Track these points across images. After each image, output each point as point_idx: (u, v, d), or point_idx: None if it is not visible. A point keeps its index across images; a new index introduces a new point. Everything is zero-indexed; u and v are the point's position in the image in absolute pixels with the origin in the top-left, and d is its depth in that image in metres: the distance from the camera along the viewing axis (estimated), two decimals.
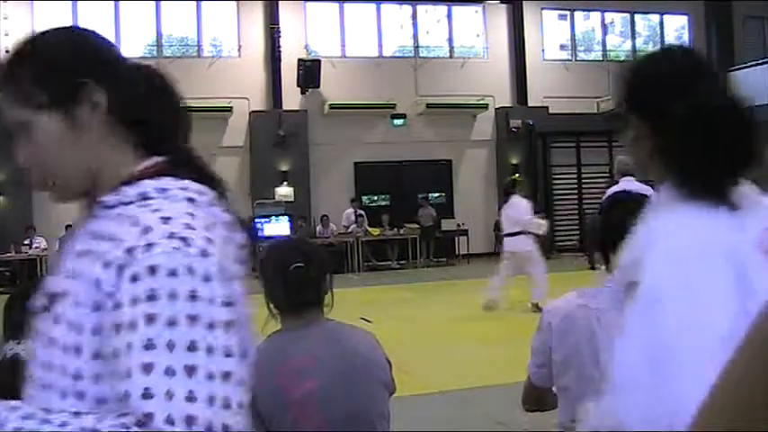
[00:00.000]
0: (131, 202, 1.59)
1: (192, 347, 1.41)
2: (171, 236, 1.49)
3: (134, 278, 1.45)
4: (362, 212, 24.33)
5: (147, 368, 1.38)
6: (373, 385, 3.17)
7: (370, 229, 24.02)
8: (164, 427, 1.35)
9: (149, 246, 1.47)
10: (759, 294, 1.70)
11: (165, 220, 1.52)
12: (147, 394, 1.37)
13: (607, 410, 1.78)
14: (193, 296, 1.44)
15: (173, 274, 1.45)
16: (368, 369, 3.17)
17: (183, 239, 1.49)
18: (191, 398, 1.37)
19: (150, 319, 1.41)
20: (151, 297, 1.42)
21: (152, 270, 1.45)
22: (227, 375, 1.44)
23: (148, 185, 1.61)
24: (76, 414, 1.44)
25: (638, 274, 1.81)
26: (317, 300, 3.21)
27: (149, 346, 1.39)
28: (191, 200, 1.60)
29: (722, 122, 1.89)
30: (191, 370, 1.39)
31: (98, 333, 1.49)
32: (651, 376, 1.72)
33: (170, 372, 1.38)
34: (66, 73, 1.65)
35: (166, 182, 1.62)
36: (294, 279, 3.14)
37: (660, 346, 1.73)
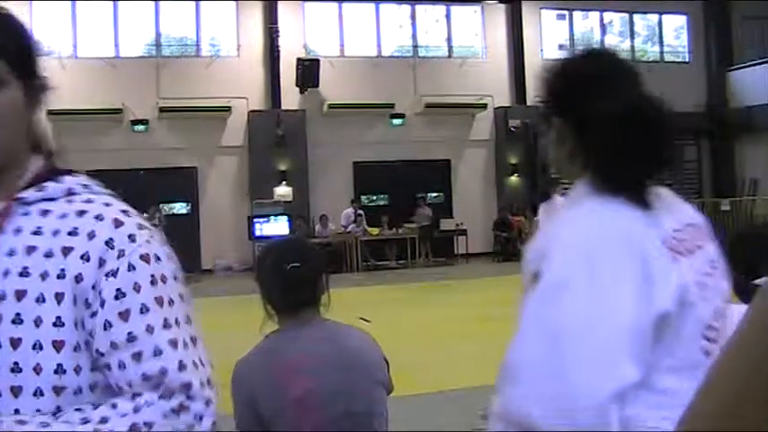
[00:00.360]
0: (55, 198, 1.65)
1: (187, 321, 1.64)
2: (140, 227, 1.64)
3: (130, 267, 1.59)
4: (362, 212, 24.32)
5: (174, 344, 1.59)
6: (371, 384, 3.17)
7: (368, 228, 24.01)
8: (202, 392, 1.58)
9: (131, 237, 1.61)
10: (660, 291, 1.75)
11: (125, 212, 1.66)
12: (181, 366, 1.57)
13: (508, 399, 1.79)
14: (176, 277, 1.67)
15: (158, 259, 1.63)
16: (366, 368, 3.17)
17: (149, 229, 1.66)
18: (202, 363, 1.62)
19: (159, 301, 1.59)
20: (153, 282, 1.59)
21: (144, 258, 1.61)
22: (198, 339, 1.66)
23: (72, 182, 1.69)
24: (79, 410, 1.52)
25: (543, 264, 1.83)
26: (314, 299, 3.21)
27: (167, 325, 1.59)
28: (110, 194, 1.71)
29: (640, 122, 1.92)
30: (194, 340, 1.63)
31: (79, 326, 1.56)
32: (552, 364, 1.73)
33: (186, 344, 1.60)
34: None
35: (83, 178, 1.71)
36: (291, 279, 3.15)
37: (562, 334, 1.74)
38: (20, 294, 1.55)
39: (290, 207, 23.36)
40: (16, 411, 1.51)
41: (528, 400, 1.74)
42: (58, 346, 1.54)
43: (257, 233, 22.08)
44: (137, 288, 1.58)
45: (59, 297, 1.55)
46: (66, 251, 1.58)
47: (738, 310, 3.28)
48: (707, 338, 1.83)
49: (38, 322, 1.53)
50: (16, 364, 1.52)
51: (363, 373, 3.16)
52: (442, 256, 24.88)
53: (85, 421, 1.50)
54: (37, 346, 1.53)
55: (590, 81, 2.02)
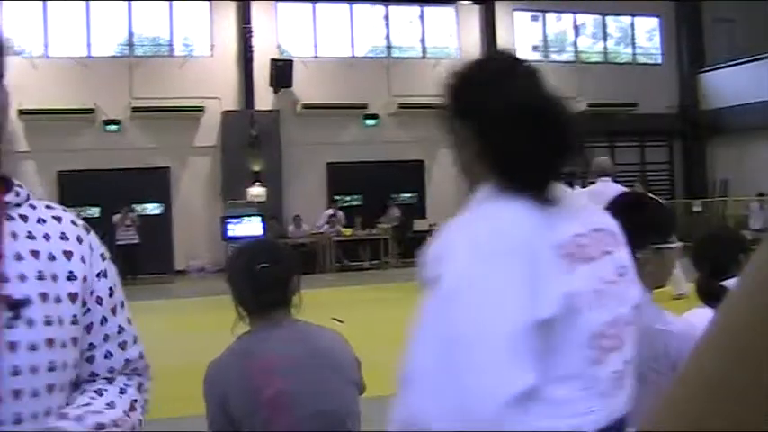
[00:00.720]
0: (20, 204, 1.71)
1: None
2: (87, 229, 1.82)
3: (110, 268, 1.87)
4: (340, 213, 24.36)
5: (137, 337, 1.90)
6: (343, 384, 3.19)
7: (342, 229, 23.99)
8: (147, 372, 1.94)
9: (94, 238, 1.82)
10: (543, 298, 1.75)
11: (75, 215, 1.84)
12: (142, 353, 1.91)
13: (407, 407, 1.78)
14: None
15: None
16: (337, 368, 3.19)
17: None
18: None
19: (122, 302, 1.89)
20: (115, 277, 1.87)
21: (110, 259, 1.87)
22: None
23: (20, 186, 1.74)
24: (91, 398, 1.72)
25: (438, 269, 1.85)
26: (285, 300, 3.22)
27: (130, 319, 1.88)
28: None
29: (536, 122, 1.95)
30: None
31: (76, 322, 1.69)
32: (447, 372, 1.73)
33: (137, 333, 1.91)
34: None
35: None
36: (261, 280, 3.15)
37: (456, 342, 1.75)
38: (43, 297, 1.63)
39: (264, 207, 23.31)
40: (48, 410, 1.62)
41: (427, 408, 1.73)
42: (74, 343, 1.69)
43: (230, 234, 22.01)
44: (116, 286, 1.85)
45: (73, 297, 1.69)
46: (68, 255, 1.72)
47: (703, 313, 3.29)
48: (597, 347, 1.81)
49: (61, 322, 1.65)
50: (52, 362, 1.61)
51: (335, 372, 3.16)
52: (415, 257, 24.83)
53: (111, 406, 1.72)
54: (64, 345, 1.65)
55: (485, 83, 2.05)
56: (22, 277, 1.60)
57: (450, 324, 1.78)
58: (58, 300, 1.65)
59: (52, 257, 1.67)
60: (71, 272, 1.70)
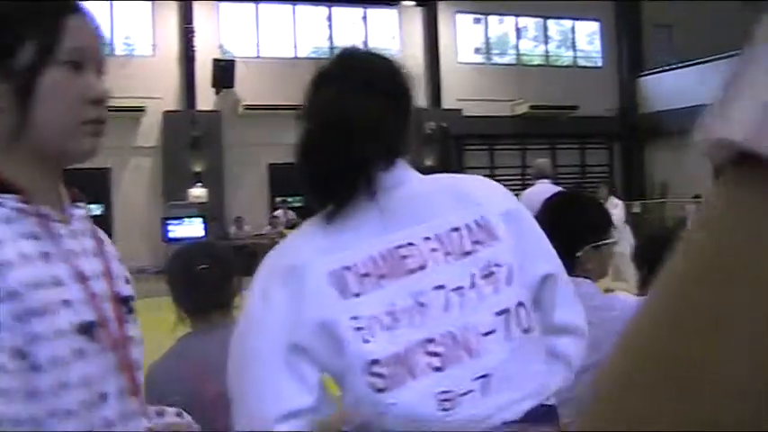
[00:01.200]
0: None
1: None
2: None
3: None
4: (291, 213, 24.30)
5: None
6: None
7: (284, 230, 23.89)
8: None
9: None
10: (299, 325, 1.77)
11: None
12: None
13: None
14: None
15: None
16: None
17: None
18: None
19: None
20: None
21: None
22: None
23: None
24: None
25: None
26: (225, 302, 3.20)
27: None
28: None
29: (320, 129, 1.92)
30: None
31: None
32: (236, 392, 1.90)
33: None
34: None
35: None
36: (200, 281, 3.14)
37: (238, 364, 1.89)
38: (131, 298, 1.77)
39: (205, 209, 23.16)
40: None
41: (235, 423, 1.91)
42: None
43: (171, 235, 21.83)
44: None
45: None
46: (113, 255, 1.79)
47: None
48: (383, 374, 1.75)
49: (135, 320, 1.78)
50: (140, 360, 1.73)
51: None
52: None
53: None
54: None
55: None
56: (118, 275, 1.73)
57: (236, 347, 1.91)
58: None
59: (113, 257, 1.77)
60: (126, 276, 1.81)
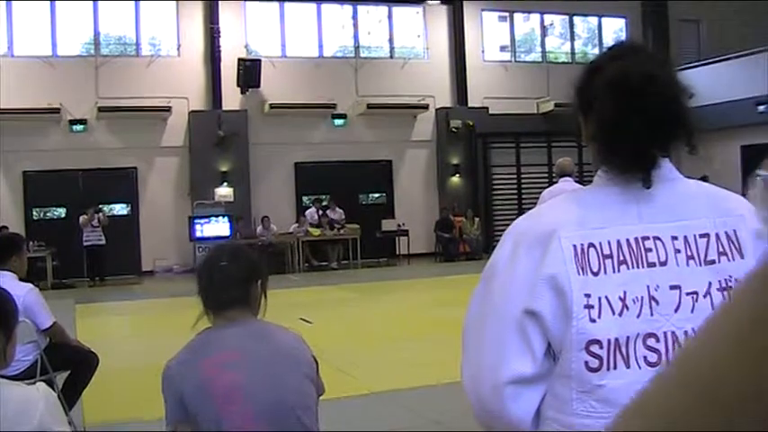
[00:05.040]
0: None
1: None
2: None
3: None
4: (334, 212, 24.48)
5: None
6: (298, 379, 3.24)
7: (310, 229, 23.95)
8: None
9: None
10: (543, 292, 1.83)
11: None
12: None
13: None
14: None
15: None
16: (293, 364, 3.26)
17: None
18: None
19: None
20: None
21: None
22: None
23: None
24: None
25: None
26: (243, 299, 3.30)
27: None
28: None
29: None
30: None
31: None
32: (467, 349, 1.98)
33: None
34: None
35: None
36: (219, 277, 3.26)
37: (472, 322, 1.98)
38: None
39: (232, 208, 23.22)
40: None
41: (463, 375, 1.99)
42: None
43: (198, 234, 21.92)
44: None
45: None
46: None
47: None
48: (600, 354, 1.81)
49: None
50: None
51: (290, 368, 3.24)
52: (383, 257, 24.91)
53: None
54: None
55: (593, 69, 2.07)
56: None
57: (473, 305, 1.99)
58: None
59: None
60: None
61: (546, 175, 25.13)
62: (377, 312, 14.33)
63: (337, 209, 24.77)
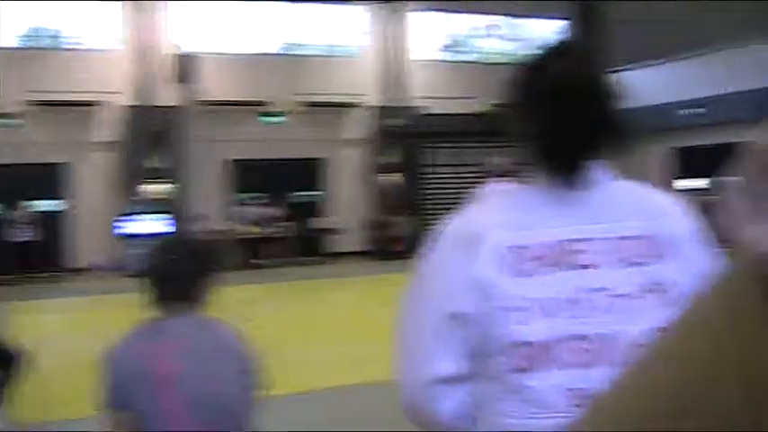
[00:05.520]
0: None
1: None
2: None
3: None
4: (272, 209, 24.36)
5: None
6: (236, 374, 3.27)
7: (244, 227, 23.83)
8: None
9: None
10: (468, 293, 1.85)
11: None
12: None
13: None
14: None
15: None
16: (232, 358, 3.29)
17: None
18: None
19: None
20: None
21: None
22: None
23: None
24: None
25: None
26: (190, 293, 3.32)
27: None
28: None
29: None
30: None
31: None
32: (398, 348, 2.00)
33: None
34: None
35: None
36: (167, 272, 3.29)
37: (403, 322, 2.00)
38: None
39: (165, 205, 23.02)
40: None
41: (397, 374, 2.01)
42: None
43: (129, 232, 21.71)
44: None
45: None
46: None
47: None
48: (527, 356, 1.82)
49: None
50: None
51: (230, 362, 3.27)
52: (317, 255, 24.89)
53: None
54: None
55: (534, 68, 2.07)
56: None
57: (406, 303, 2.00)
58: None
59: None
60: None
61: (481, 174, 25.24)
62: (310, 310, 14.31)
63: (274, 207, 24.71)
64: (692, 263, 1.89)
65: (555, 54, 1.98)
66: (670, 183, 25.36)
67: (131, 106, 24.27)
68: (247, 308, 13.72)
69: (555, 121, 1.88)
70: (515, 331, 1.81)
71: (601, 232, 1.89)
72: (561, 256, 1.85)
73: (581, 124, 1.86)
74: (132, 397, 3.12)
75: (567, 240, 1.87)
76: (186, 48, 25.03)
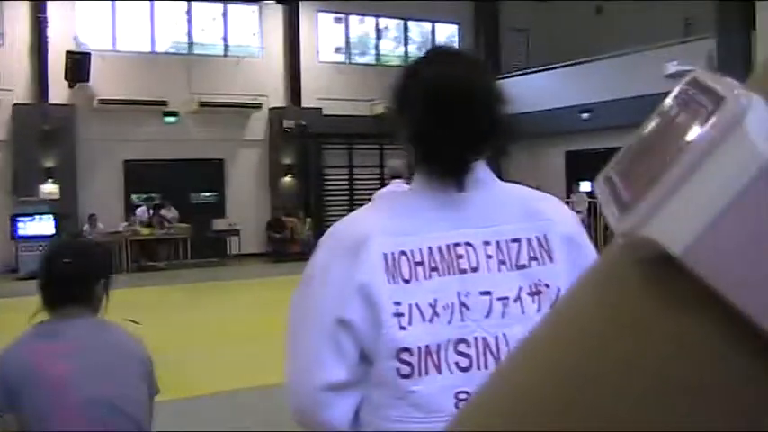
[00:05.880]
0: None
1: None
2: None
3: None
4: (165, 211, 24.07)
5: None
6: (131, 376, 3.23)
7: (139, 228, 23.51)
8: None
9: None
10: (354, 300, 1.85)
11: None
12: None
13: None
14: None
15: None
16: (127, 361, 3.24)
17: None
18: None
19: None
20: None
21: None
22: None
23: None
24: None
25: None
26: (84, 297, 3.25)
27: None
28: None
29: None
30: None
31: None
32: (287, 354, 2.00)
33: None
34: None
35: None
36: (60, 274, 3.21)
37: (291, 328, 2.00)
38: None
39: (57, 206, 22.54)
40: None
41: (285, 380, 2.00)
42: None
43: (21, 233, 21.23)
44: None
45: None
46: None
47: None
48: (412, 361, 1.83)
49: None
50: None
51: (124, 364, 3.22)
52: (214, 257, 24.67)
53: None
54: None
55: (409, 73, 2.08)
56: None
57: (294, 308, 1.99)
58: None
59: None
60: None
61: (378, 176, 25.36)
62: (207, 313, 14.19)
63: (172, 208, 24.43)
64: (575, 264, 1.92)
65: (428, 59, 2.01)
66: (571, 185, 25.90)
67: (23, 104, 23.72)
68: (140, 310, 13.55)
69: (429, 125, 1.89)
70: (396, 337, 1.81)
71: (483, 235, 1.90)
72: (442, 261, 1.86)
73: (456, 128, 1.88)
74: (23, 399, 3.04)
75: (449, 245, 1.87)
76: (82, 45, 24.59)
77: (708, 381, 0.35)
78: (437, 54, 2.06)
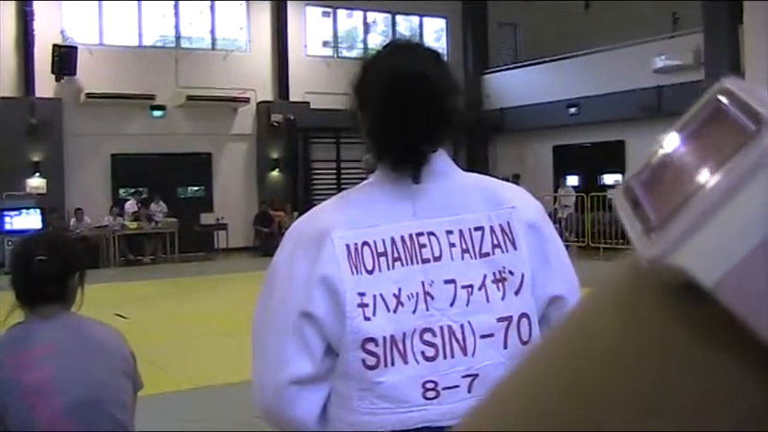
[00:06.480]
0: None
1: None
2: None
3: None
4: (157, 205, 24.05)
5: None
6: (113, 374, 3.16)
7: (126, 222, 23.46)
8: None
9: None
10: (317, 293, 1.85)
11: None
12: None
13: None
14: None
15: None
16: (108, 358, 3.17)
17: None
18: None
19: None
20: None
21: None
22: None
23: None
24: None
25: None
26: (59, 294, 3.15)
27: None
28: None
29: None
30: None
31: None
32: (253, 350, 2.01)
33: None
34: None
35: None
36: (34, 272, 3.09)
37: (256, 319, 2.02)
38: None
39: (44, 200, 22.45)
40: None
41: (252, 376, 2.01)
42: None
43: (7, 227, 21.13)
44: None
45: None
46: None
47: None
48: (378, 352, 1.84)
49: None
50: None
51: (106, 362, 3.15)
52: (202, 251, 24.64)
53: None
54: None
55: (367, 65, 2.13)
56: None
57: (259, 304, 2.00)
58: None
59: None
60: None
61: (365, 170, 25.40)
62: (194, 307, 14.17)
63: (161, 202, 24.39)
64: (539, 251, 1.94)
65: (384, 52, 2.07)
66: (558, 179, 25.92)
67: (9, 98, 23.62)
68: (127, 305, 13.53)
69: (383, 116, 1.92)
70: (361, 328, 1.82)
71: (446, 225, 1.90)
72: (405, 251, 1.87)
73: (409, 118, 1.88)
74: (4, 408, 2.96)
75: (411, 234, 1.88)
76: (69, 38, 24.51)
77: (732, 415, 0.33)
78: (394, 47, 2.11)
